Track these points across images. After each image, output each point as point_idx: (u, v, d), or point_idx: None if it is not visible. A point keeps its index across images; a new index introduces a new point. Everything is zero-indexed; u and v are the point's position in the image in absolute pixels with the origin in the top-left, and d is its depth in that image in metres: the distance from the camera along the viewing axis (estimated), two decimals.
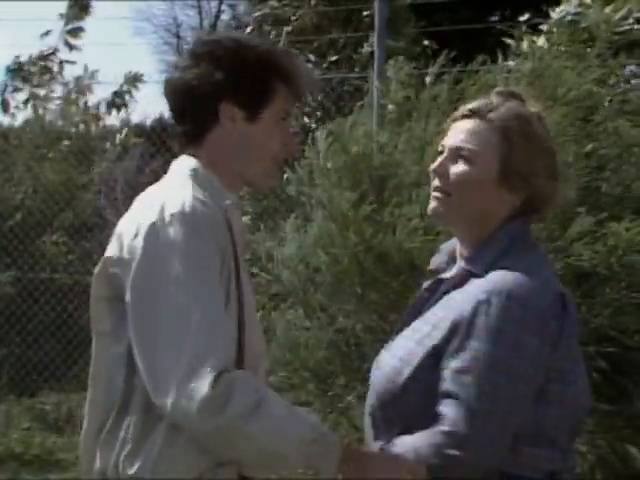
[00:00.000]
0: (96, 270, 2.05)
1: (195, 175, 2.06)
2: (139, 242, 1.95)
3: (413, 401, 2.03)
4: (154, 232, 1.94)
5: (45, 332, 8.03)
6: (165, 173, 2.13)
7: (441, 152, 2.16)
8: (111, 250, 2.02)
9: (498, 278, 2.03)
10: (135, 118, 9.54)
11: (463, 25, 9.79)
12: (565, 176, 2.23)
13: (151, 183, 2.11)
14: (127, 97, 8.48)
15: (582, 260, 3.99)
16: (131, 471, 1.94)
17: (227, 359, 1.91)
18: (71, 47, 8.53)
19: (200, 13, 27.09)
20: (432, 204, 2.15)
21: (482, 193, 2.11)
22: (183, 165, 2.10)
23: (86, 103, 8.50)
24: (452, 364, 2.00)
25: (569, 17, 5.92)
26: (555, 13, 6.15)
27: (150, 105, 18.90)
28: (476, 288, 2.04)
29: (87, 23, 8.57)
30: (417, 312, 2.18)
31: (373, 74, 5.83)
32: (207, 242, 1.94)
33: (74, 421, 7.25)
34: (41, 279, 8.09)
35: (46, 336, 8.03)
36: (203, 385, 1.84)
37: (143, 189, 2.10)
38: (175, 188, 2.03)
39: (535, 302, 2.01)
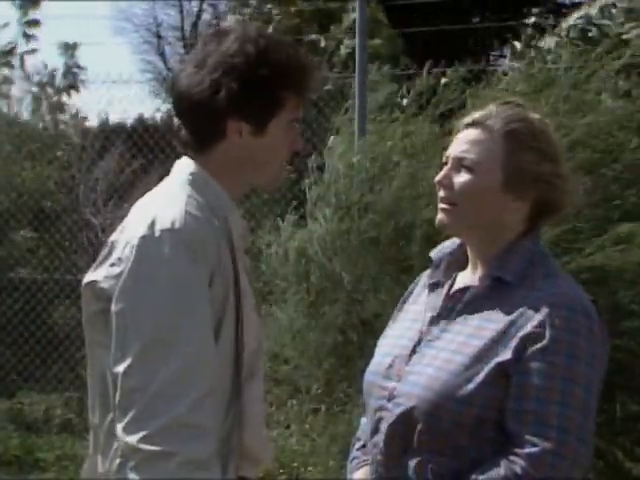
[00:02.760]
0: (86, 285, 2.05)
1: (194, 180, 2.05)
2: (127, 256, 1.95)
3: (472, 415, 2.01)
4: (143, 247, 1.94)
5: (24, 332, 7.98)
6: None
7: (445, 163, 2.16)
8: (100, 263, 2.01)
9: (554, 290, 2.04)
10: (115, 118, 9.46)
11: (444, 26, 9.81)
12: (572, 180, 2.20)
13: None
14: (73, 67, 8.39)
15: None
16: None
17: (201, 389, 1.89)
18: (29, 37, 8.54)
19: (181, 12, 26.98)
20: (439, 215, 2.16)
21: (487, 201, 2.10)
22: (184, 169, 2.08)
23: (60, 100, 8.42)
24: (531, 381, 1.99)
25: (581, 24, 5.93)
26: (571, 19, 6.14)
27: (132, 105, 18.82)
28: (532, 302, 2.03)
29: (66, 22, 8.57)
30: (439, 319, 2.15)
31: (354, 76, 5.85)
32: (195, 261, 1.93)
33: (53, 421, 7.23)
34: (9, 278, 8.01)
35: (25, 336, 7.98)
36: (151, 432, 1.84)
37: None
38: (170, 199, 2.01)
39: (590, 310, 2.04)
